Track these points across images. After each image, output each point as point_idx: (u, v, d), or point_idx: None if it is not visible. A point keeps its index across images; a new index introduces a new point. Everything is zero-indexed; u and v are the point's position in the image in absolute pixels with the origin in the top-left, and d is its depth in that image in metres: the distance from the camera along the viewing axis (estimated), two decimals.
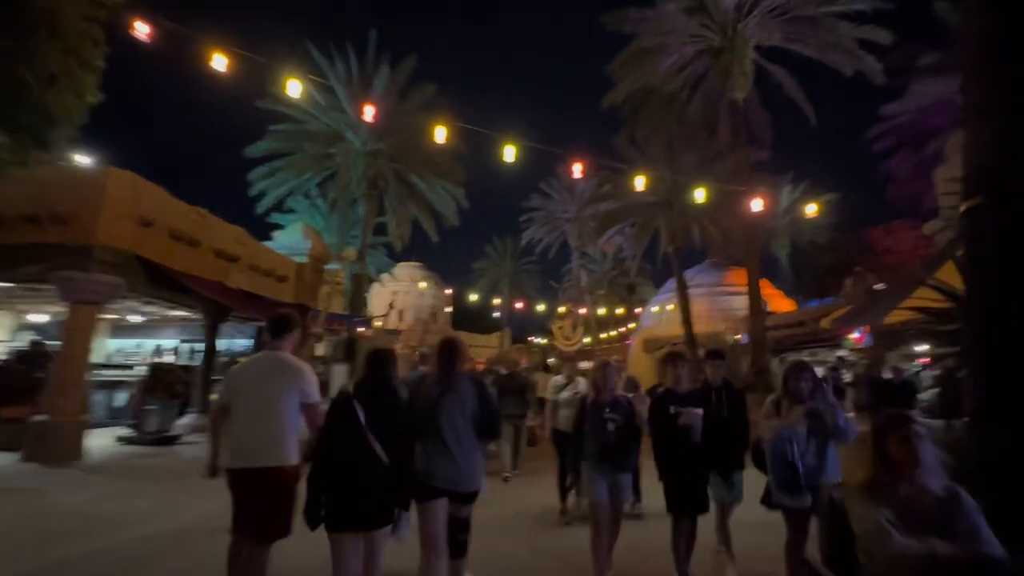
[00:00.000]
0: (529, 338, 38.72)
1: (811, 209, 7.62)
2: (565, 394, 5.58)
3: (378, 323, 26.14)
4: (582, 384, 5.29)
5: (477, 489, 2.97)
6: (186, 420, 10.39)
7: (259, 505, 2.74)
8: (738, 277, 25.86)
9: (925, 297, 3.94)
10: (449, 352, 2.98)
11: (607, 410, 3.44)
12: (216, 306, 10.73)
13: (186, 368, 11.45)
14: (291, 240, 14.39)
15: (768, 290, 23.43)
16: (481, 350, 41.25)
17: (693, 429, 3.22)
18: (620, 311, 23.39)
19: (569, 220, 27.84)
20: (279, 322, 3.07)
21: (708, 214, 17.12)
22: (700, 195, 7.48)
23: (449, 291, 15.21)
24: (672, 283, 26.02)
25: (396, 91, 15.26)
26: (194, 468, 7.70)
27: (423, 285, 22.53)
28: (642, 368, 25.50)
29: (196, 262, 10.00)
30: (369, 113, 6.66)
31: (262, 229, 15.19)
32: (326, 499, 2.53)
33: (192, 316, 11.62)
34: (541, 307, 20.66)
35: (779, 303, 24.59)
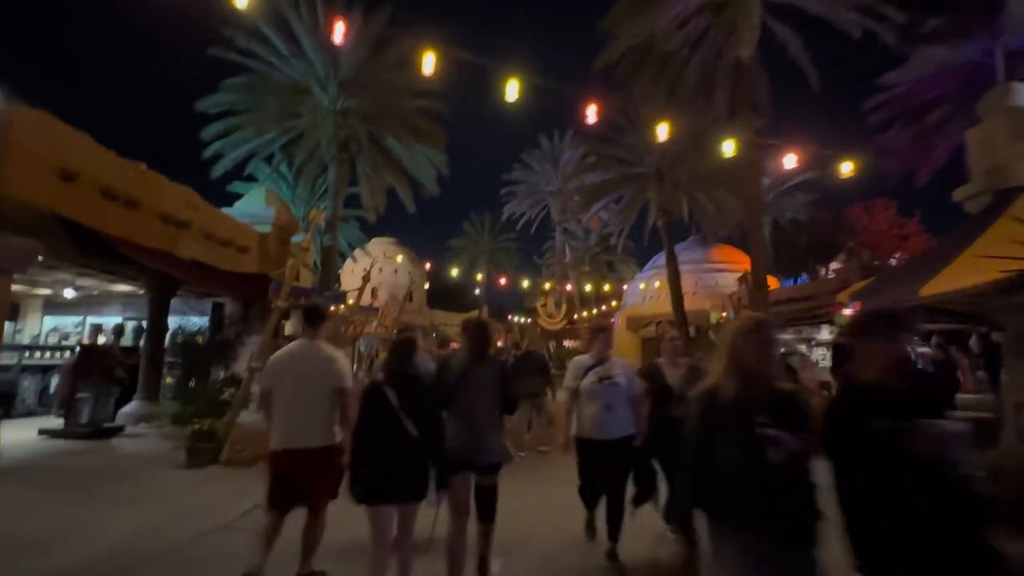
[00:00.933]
0: (508, 316, 37.88)
1: (847, 168, 6.69)
2: (589, 381, 3.65)
3: (352, 300, 24.77)
4: (620, 368, 3.73)
5: (500, 461, 3.10)
6: (129, 408, 9.09)
7: (314, 480, 3.06)
8: (724, 254, 25.47)
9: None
10: (479, 333, 3.17)
11: (761, 417, 1.83)
12: (162, 279, 9.33)
13: (130, 349, 10.05)
14: (252, 207, 12.87)
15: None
16: (458, 329, 40.25)
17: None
18: (607, 287, 22.68)
19: (553, 193, 26.69)
20: (314, 312, 3.32)
21: (703, 185, 16.34)
22: (729, 148, 6.55)
23: (428, 265, 14.19)
24: (657, 260, 25.43)
25: (370, 42, 13.70)
26: (133, 467, 6.62)
27: (399, 259, 21.24)
28: (627, 347, 24.99)
29: (137, 227, 8.57)
30: (339, 32, 5.41)
31: (221, 200, 13.60)
32: (365, 475, 2.74)
33: (138, 291, 10.20)
34: (525, 283, 19.62)
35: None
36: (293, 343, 3.31)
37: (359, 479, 2.74)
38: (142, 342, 9.89)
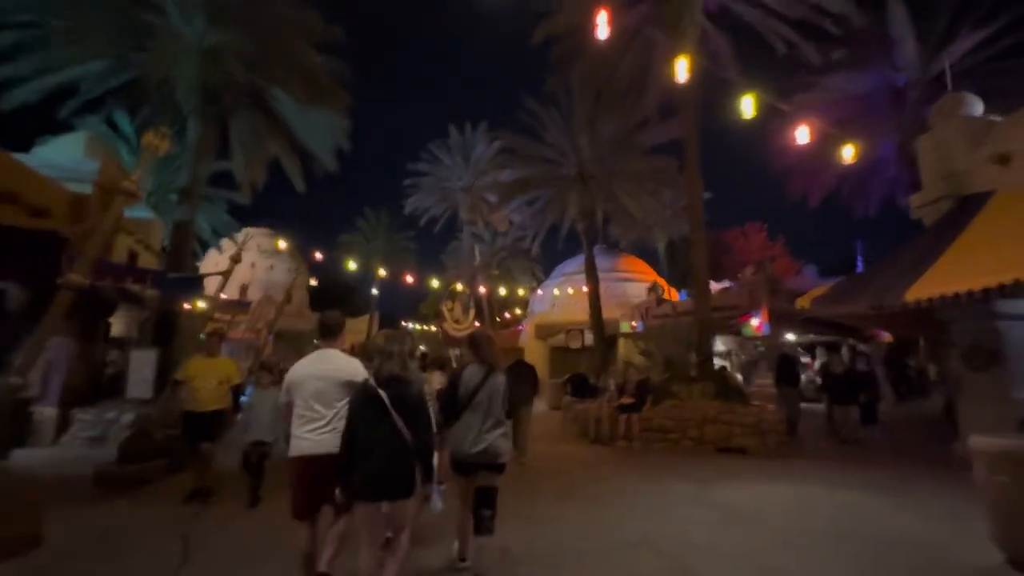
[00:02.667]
0: (401, 322, 34.94)
1: (847, 153, 5.88)
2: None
3: (214, 289, 20.37)
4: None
5: (505, 461, 3.46)
6: None
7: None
8: (632, 264, 25.67)
9: None
10: (490, 344, 3.63)
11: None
12: None
13: None
14: (62, 156, 9.14)
15: (657, 278, 23.46)
16: (347, 335, 36.25)
17: None
18: (521, 291, 21.27)
19: (462, 190, 24.79)
20: (330, 325, 3.47)
21: (629, 188, 15.72)
22: (748, 106, 5.34)
23: (319, 256, 11.52)
24: (568, 265, 24.80)
25: None
26: None
27: (282, 245, 17.81)
28: (536, 355, 23.87)
29: None
30: None
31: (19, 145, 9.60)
32: (357, 474, 2.83)
33: None
34: (435, 283, 17.40)
35: (669, 293, 24.84)
36: (312, 353, 3.40)
37: (352, 478, 2.87)
38: None
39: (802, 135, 5.56)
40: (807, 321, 13.24)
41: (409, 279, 15.36)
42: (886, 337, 18.43)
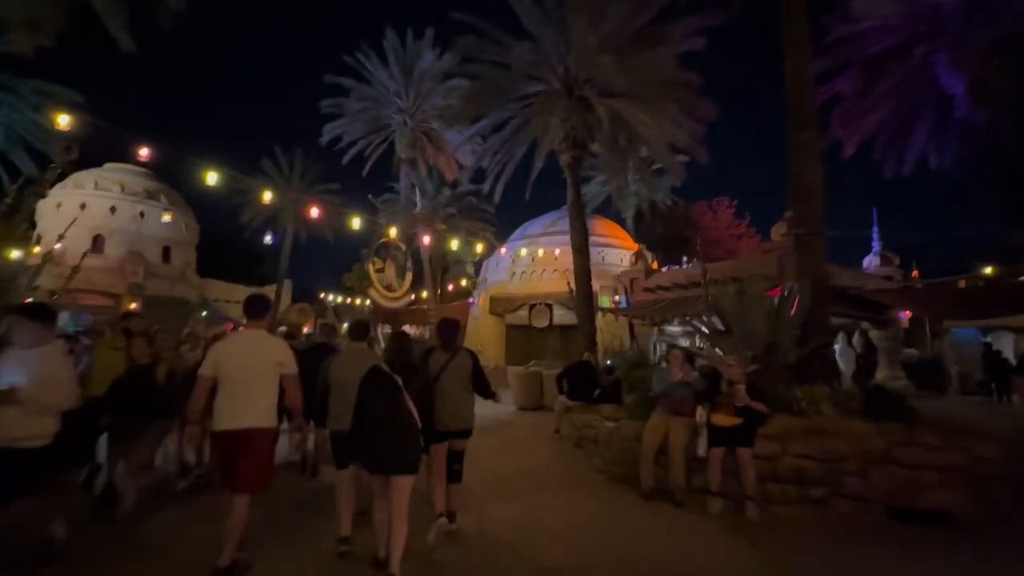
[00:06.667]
0: (319, 294, 28.88)
1: None
2: None
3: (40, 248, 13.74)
4: None
5: (471, 427, 3.98)
6: None
7: (240, 461, 3.11)
8: (609, 228, 21.46)
9: None
10: (453, 329, 4.04)
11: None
12: None
13: None
14: None
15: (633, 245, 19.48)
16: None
17: None
18: (480, 248, 16.32)
19: (402, 113, 19.01)
20: (258, 303, 3.48)
21: (642, 103, 11.23)
22: None
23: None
24: (532, 226, 20.13)
25: None
26: None
27: (141, 190, 11.74)
28: (488, 336, 19.18)
29: None
30: None
31: None
32: (369, 449, 3.13)
33: None
34: (355, 221, 12.05)
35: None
36: (237, 332, 3.97)
37: (351, 451, 3.30)
38: None
39: None
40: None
41: (314, 211, 10.04)
42: (903, 322, 15.79)
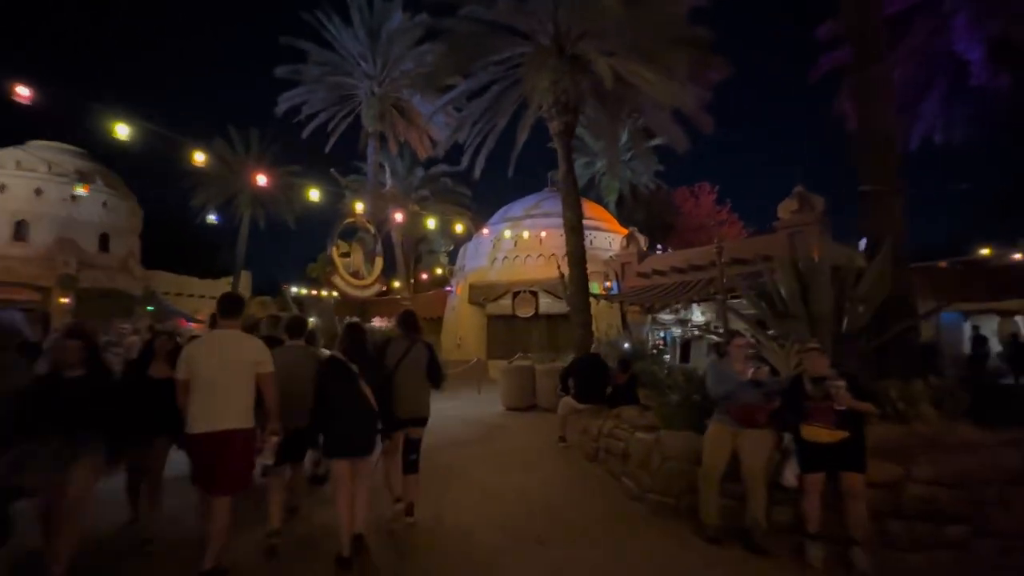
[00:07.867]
0: (284, 285, 26.71)
1: None
2: None
3: None
4: None
5: (428, 415, 4.07)
6: None
7: (220, 463, 3.01)
8: (595, 211, 20.03)
9: None
10: (410, 322, 4.10)
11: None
12: None
13: None
14: None
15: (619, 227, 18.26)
16: (201, 302, 26.98)
17: None
18: (460, 228, 14.72)
19: (370, 80, 17.07)
20: (232, 303, 3.39)
21: (646, 57, 9.84)
22: None
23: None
24: (514, 208, 18.56)
25: None
26: None
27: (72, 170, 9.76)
28: (467, 325, 17.66)
29: None
30: None
31: None
32: (329, 434, 3.32)
33: None
34: (315, 196, 10.30)
35: None
36: (211, 332, 3.48)
37: (326, 438, 3.36)
38: None
39: None
40: None
41: (261, 179, 8.34)
42: None
